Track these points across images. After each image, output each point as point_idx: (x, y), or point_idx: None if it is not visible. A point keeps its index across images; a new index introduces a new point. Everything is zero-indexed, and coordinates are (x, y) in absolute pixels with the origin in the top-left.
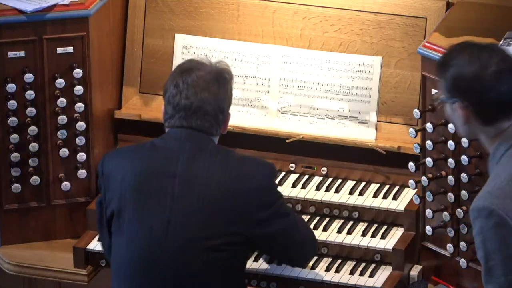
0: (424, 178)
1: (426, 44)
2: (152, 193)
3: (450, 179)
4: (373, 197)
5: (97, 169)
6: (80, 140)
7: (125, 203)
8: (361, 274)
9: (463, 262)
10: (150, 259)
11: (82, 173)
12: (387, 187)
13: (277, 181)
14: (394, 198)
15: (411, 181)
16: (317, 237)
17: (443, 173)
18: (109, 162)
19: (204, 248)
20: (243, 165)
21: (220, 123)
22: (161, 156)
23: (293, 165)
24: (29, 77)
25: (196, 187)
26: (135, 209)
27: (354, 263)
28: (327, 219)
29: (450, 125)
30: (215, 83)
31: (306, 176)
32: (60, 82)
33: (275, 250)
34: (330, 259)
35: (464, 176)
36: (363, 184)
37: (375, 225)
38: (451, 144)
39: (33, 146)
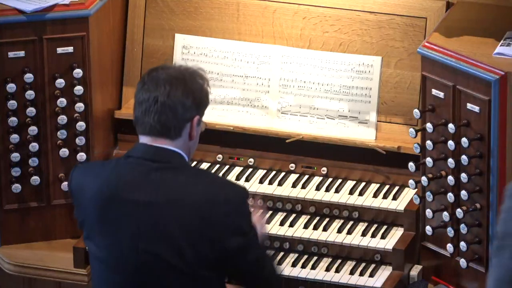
0: (424, 178)
1: (426, 44)
2: (118, 221)
3: (450, 179)
4: (373, 197)
5: (68, 186)
6: (80, 140)
7: (94, 232)
8: (361, 274)
9: (463, 262)
10: (123, 283)
11: None
12: (387, 187)
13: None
14: (394, 198)
15: (411, 181)
16: (317, 237)
17: (443, 173)
18: (76, 178)
19: (175, 274)
20: (213, 188)
21: (179, 119)
22: (126, 180)
23: (293, 165)
24: (29, 77)
25: (162, 214)
26: (104, 239)
27: (354, 263)
28: (327, 219)
29: (450, 125)
30: (179, 79)
31: (306, 176)
32: (60, 82)
33: (245, 280)
34: (330, 259)
35: (464, 176)
36: (363, 184)
37: (375, 225)
38: (451, 144)
39: (33, 146)
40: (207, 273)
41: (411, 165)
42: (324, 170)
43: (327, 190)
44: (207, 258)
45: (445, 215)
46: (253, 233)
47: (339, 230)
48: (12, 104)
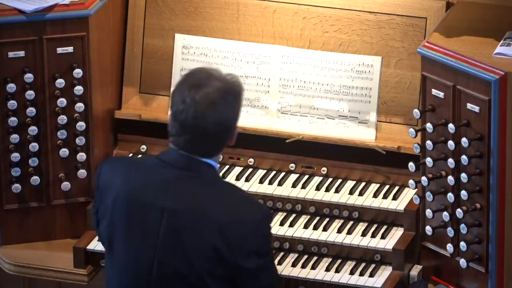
0: (424, 178)
1: (426, 44)
2: (139, 225)
3: (450, 179)
4: (373, 197)
5: (95, 179)
6: (80, 140)
7: (114, 231)
8: (361, 274)
9: (463, 262)
10: (136, 286)
11: (82, 173)
12: (387, 187)
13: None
14: (394, 198)
15: (411, 181)
16: (317, 237)
17: (443, 173)
18: (105, 176)
19: (183, 285)
20: (237, 207)
21: (224, 142)
22: (153, 185)
23: (293, 165)
24: (29, 77)
25: (183, 226)
26: (123, 240)
27: (354, 263)
28: (327, 219)
29: (450, 125)
30: (222, 101)
31: (306, 176)
32: (60, 82)
33: None
34: (330, 259)
35: (464, 176)
36: (363, 184)
37: (375, 225)
38: (451, 144)
39: (33, 146)
40: (217, 287)
41: (411, 165)
42: (324, 170)
43: (327, 190)
44: (219, 274)
45: (445, 215)
46: (270, 256)
47: (339, 230)
48: (12, 104)
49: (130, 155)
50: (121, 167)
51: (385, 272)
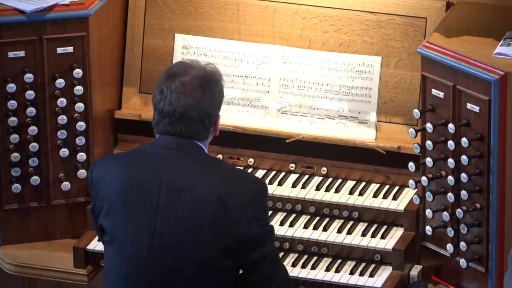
0: (424, 178)
1: (426, 44)
2: (138, 204)
3: (450, 179)
4: (373, 197)
5: (88, 177)
6: (80, 140)
7: (113, 214)
8: (361, 274)
9: (463, 262)
10: (139, 271)
11: (82, 173)
12: (387, 187)
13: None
14: (394, 198)
15: (411, 181)
16: (317, 237)
17: (443, 173)
18: (97, 170)
19: (191, 261)
20: (234, 179)
21: (207, 127)
22: (148, 165)
23: (293, 165)
24: (29, 77)
25: (182, 198)
26: (122, 221)
27: (354, 263)
28: (327, 219)
29: (450, 125)
30: (199, 88)
31: (306, 176)
32: (60, 82)
33: (259, 273)
34: (330, 259)
35: (464, 176)
36: (363, 184)
37: (375, 225)
38: (451, 144)
39: (33, 146)
40: (220, 262)
41: (411, 165)
42: (324, 170)
43: (327, 190)
44: (222, 246)
45: (445, 215)
46: (270, 227)
47: (339, 230)
48: (12, 104)
49: None
50: (113, 160)
51: (385, 272)
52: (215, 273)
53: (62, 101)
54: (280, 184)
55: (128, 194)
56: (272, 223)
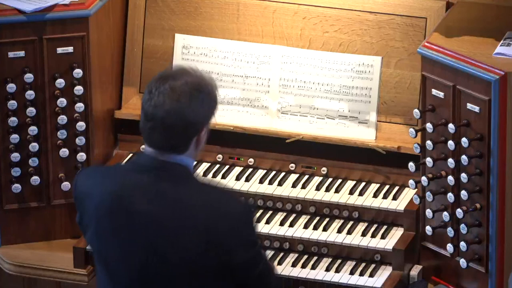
0: (424, 178)
1: (426, 44)
2: (126, 232)
3: (450, 179)
4: (373, 197)
5: (73, 190)
6: (80, 140)
7: (102, 241)
8: (361, 274)
9: (463, 262)
10: None
11: None
12: (387, 187)
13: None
14: (394, 198)
15: (411, 181)
16: (317, 237)
17: (443, 173)
18: (82, 185)
19: (181, 285)
20: (220, 202)
21: (189, 137)
22: (133, 189)
23: (293, 165)
24: (29, 77)
25: (169, 226)
26: (113, 249)
27: (354, 263)
28: (327, 219)
29: (450, 125)
30: (187, 95)
31: (306, 176)
32: (60, 82)
33: None
34: (330, 259)
35: (464, 176)
36: (363, 184)
37: (375, 225)
38: (451, 144)
39: (33, 146)
40: (214, 283)
41: (411, 165)
42: (324, 170)
43: (327, 190)
44: (214, 269)
45: (445, 215)
46: (258, 245)
47: (339, 230)
48: (12, 104)
49: (130, 155)
50: (96, 176)
51: (385, 272)
52: None
53: (62, 101)
54: (280, 184)
55: (114, 222)
56: (272, 223)
